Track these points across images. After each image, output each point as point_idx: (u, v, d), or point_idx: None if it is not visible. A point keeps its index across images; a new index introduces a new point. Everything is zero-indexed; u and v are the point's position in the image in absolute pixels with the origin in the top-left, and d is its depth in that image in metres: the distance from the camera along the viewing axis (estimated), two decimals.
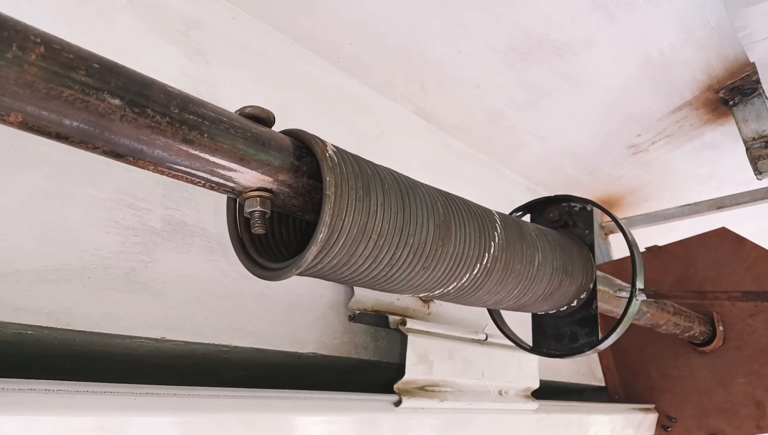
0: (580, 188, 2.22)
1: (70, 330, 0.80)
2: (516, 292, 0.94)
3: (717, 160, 2.31)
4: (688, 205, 2.22)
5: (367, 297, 1.21)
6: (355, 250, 0.71)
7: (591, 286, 1.10)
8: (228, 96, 1.12)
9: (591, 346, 1.06)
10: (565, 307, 1.09)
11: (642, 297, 1.07)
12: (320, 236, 0.66)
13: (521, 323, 1.26)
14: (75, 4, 0.93)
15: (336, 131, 1.38)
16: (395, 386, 1.06)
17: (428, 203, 0.81)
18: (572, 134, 1.92)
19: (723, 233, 2.09)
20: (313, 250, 0.67)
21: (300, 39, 1.36)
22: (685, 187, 2.45)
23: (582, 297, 1.10)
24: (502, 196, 1.95)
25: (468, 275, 0.85)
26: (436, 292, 0.85)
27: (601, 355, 2.14)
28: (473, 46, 1.47)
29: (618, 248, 2.45)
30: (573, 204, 1.26)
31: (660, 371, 2.08)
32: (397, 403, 1.05)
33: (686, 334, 1.80)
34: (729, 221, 2.12)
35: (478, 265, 0.85)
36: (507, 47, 1.48)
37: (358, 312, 1.19)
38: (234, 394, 0.81)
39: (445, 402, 1.13)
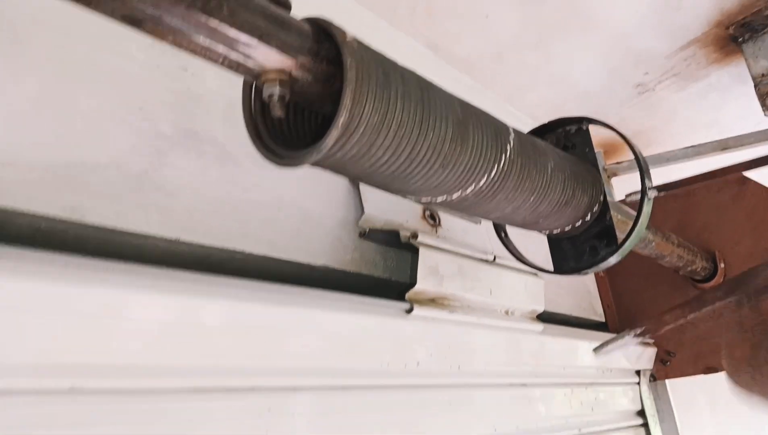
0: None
1: (84, 224, 0.80)
2: (533, 198, 0.95)
3: (721, 105, 2.30)
4: (692, 146, 2.21)
5: (377, 217, 1.22)
6: (375, 139, 0.71)
7: (601, 198, 1.12)
8: None
9: (612, 252, 1.08)
10: (579, 222, 1.10)
11: (654, 193, 1.09)
12: (341, 120, 0.66)
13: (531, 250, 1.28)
14: None
15: None
16: (407, 295, 1.08)
17: (446, 101, 0.81)
18: (579, 72, 1.90)
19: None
20: (333, 133, 0.67)
21: None
22: (689, 132, 2.43)
23: (595, 210, 1.11)
24: None
25: (486, 177, 0.85)
26: (454, 196, 0.86)
27: (601, 291, 2.17)
28: None
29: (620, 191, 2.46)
30: (568, 127, 1.27)
31: (660, 309, 2.10)
32: (409, 311, 1.07)
33: (689, 268, 1.82)
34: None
35: (496, 166, 0.86)
36: None
37: (368, 229, 1.20)
38: (250, 285, 0.83)
39: (454, 314, 1.15)
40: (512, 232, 1.31)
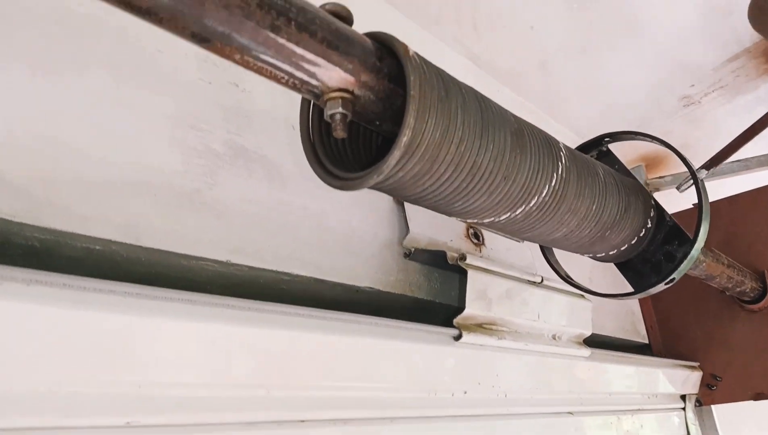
0: (627, 143, 2.16)
1: (139, 247, 0.79)
2: (595, 206, 0.92)
3: None
4: (738, 160, 2.14)
5: (421, 235, 1.19)
6: (437, 156, 0.68)
7: (652, 202, 1.10)
8: None
9: (690, 246, 1.04)
10: (643, 232, 1.07)
11: (703, 173, 1.06)
12: (404, 139, 0.63)
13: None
14: None
15: None
16: (455, 321, 1.04)
17: (501, 113, 0.78)
18: (624, 84, 1.85)
19: None
20: (396, 153, 0.64)
21: None
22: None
23: (652, 215, 1.08)
24: None
25: (547, 186, 0.83)
26: (517, 211, 0.82)
27: (644, 313, 2.10)
28: None
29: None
30: (590, 154, 1.25)
31: (705, 331, 2.03)
32: (457, 338, 1.03)
33: (737, 289, 1.75)
34: None
35: (555, 174, 0.83)
36: None
37: (413, 249, 1.16)
38: (299, 311, 0.80)
39: (503, 341, 1.10)
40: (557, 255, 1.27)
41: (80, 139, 0.75)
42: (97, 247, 0.76)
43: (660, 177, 2.30)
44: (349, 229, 1.10)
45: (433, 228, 1.24)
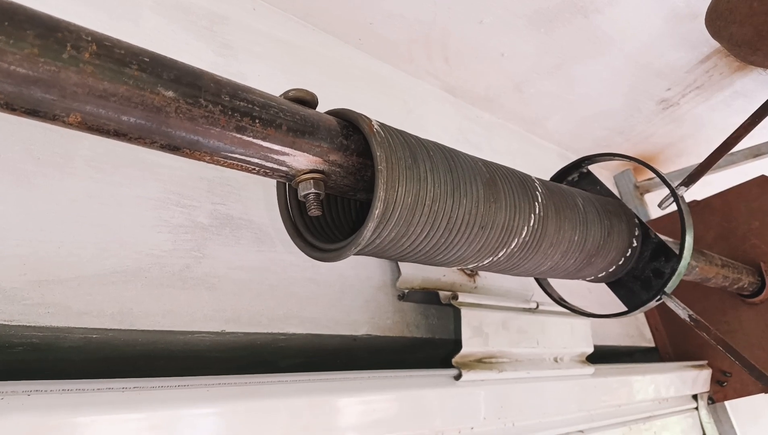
0: (611, 150, 2.18)
1: (134, 330, 0.81)
2: (576, 238, 0.94)
3: (749, 108, 2.24)
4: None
5: (414, 275, 1.21)
6: (412, 219, 0.71)
7: (636, 220, 1.12)
8: (258, 86, 1.11)
9: (677, 261, 1.06)
10: (629, 251, 1.09)
11: (682, 189, 1.09)
12: (376, 211, 0.66)
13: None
14: (100, 5, 0.94)
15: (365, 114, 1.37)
16: (453, 360, 1.06)
17: (471, 165, 0.81)
18: (600, 95, 1.88)
19: (762, 181, 2.04)
20: (370, 226, 0.66)
21: (321, 24, 1.35)
22: (718, 138, 2.38)
23: (637, 233, 1.10)
24: (535, 164, 1.93)
25: (526, 227, 0.85)
26: (500, 254, 0.85)
27: (648, 315, 2.11)
28: (495, 14, 1.44)
29: (656, 209, 2.41)
30: (571, 177, 1.27)
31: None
32: (457, 377, 1.04)
33: (735, 286, 1.76)
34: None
35: (532, 215, 0.85)
36: (530, 11, 1.45)
37: (407, 291, 1.18)
38: (294, 379, 0.82)
39: (503, 373, 1.12)
40: (553, 281, 1.29)
41: (70, 239, 0.78)
42: (95, 336, 0.79)
43: (649, 179, 2.32)
44: (342, 277, 1.12)
45: (425, 265, 1.26)
